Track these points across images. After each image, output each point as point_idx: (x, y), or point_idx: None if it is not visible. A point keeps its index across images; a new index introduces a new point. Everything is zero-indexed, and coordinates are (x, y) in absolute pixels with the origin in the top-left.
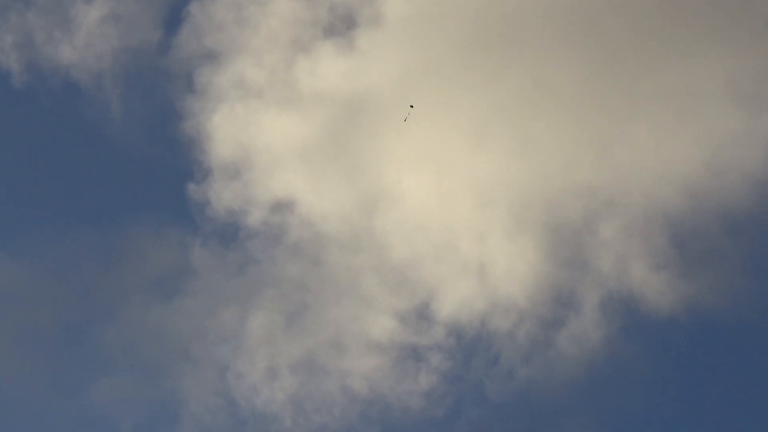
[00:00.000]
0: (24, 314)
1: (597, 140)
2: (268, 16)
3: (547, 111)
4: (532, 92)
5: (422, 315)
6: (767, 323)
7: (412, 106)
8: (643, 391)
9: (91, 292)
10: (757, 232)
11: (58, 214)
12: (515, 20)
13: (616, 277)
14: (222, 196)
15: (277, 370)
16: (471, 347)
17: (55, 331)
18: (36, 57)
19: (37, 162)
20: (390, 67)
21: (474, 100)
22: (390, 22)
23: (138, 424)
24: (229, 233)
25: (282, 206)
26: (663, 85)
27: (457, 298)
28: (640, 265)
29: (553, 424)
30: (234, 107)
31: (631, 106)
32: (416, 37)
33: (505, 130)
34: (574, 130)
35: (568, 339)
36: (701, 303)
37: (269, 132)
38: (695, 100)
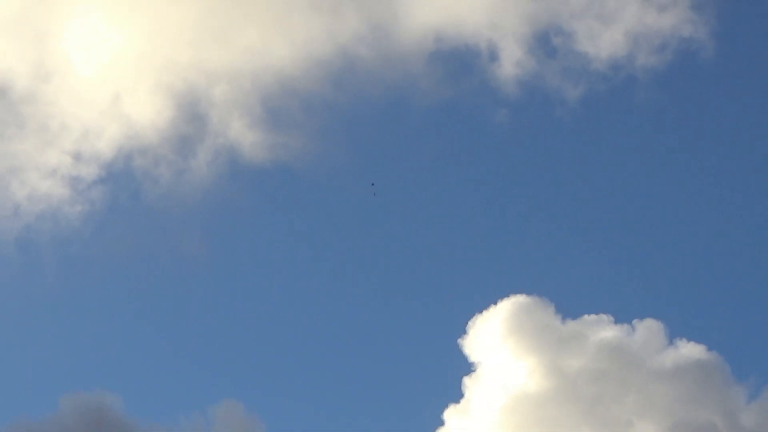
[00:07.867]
0: None
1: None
2: None
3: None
4: None
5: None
6: (336, 180)
7: (372, 184)
8: (248, 229)
9: None
10: (328, 111)
11: None
12: None
13: (223, 131)
14: None
15: None
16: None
17: None
18: None
19: None
20: None
21: None
22: None
23: None
24: None
25: None
26: None
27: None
28: (241, 123)
29: (172, 244)
30: None
31: None
32: None
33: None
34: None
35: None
36: (286, 158)
37: None
38: None
